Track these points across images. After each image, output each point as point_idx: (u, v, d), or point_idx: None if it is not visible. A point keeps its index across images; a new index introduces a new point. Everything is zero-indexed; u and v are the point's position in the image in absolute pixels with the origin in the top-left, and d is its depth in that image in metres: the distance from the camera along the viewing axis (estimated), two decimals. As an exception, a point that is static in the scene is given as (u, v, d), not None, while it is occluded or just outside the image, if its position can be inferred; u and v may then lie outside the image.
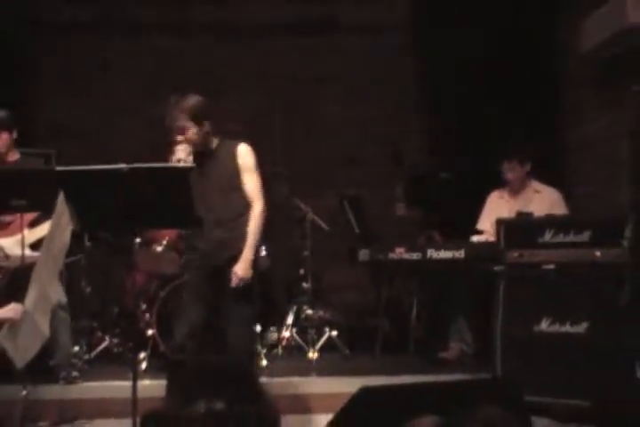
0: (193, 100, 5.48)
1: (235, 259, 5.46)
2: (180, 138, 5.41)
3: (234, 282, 5.40)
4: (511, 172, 7.08)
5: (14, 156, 6.68)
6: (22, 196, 5.85)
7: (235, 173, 5.54)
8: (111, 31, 9.05)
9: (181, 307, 5.65)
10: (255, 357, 5.65)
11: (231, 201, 5.50)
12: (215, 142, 5.62)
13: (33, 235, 6.06)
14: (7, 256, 6.36)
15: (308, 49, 9.14)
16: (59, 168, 5.18)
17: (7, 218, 6.46)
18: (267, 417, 3.03)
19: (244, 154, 5.58)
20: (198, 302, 5.50)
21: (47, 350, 6.31)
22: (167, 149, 5.49)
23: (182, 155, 5.38)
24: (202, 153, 5.55)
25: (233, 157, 5.56)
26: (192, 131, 5.45)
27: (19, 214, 6.14)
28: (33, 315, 4.99)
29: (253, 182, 5.57)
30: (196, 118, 5.45)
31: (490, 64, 8.14)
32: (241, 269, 5.42)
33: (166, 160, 5.51)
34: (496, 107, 8.10)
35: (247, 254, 5.46)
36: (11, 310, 5.09)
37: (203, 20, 9.00)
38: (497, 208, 7.10)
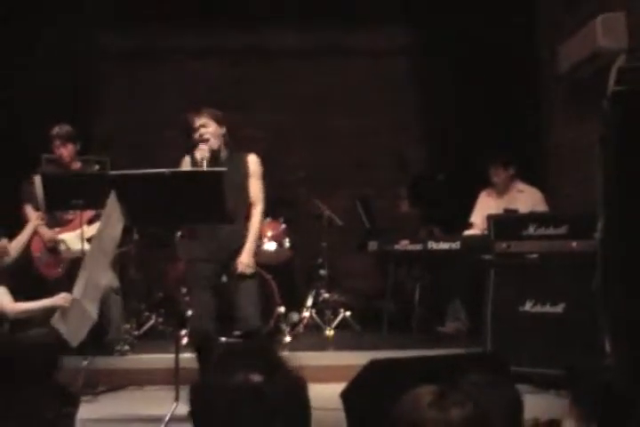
0: (215, 109, 5.55)
1: (238, 252, 5.42)
2: (202, 131, 5.42)
3: (240, 269, 5.36)
4: (497, 175, 7.10)
5: (76, 165, 6.74)
6: (80, 196, 5.90)
7: (244, 178, 5.50)
8: (153, 57, 9.09)
9: (194, 296, 5.57)
10: (263, 327, 5.60)
11: (238, 201, 5.41)
12: (225, 153, 5.57)
13: (91, 231, 6.11)
14: (69, 249, 6.43)
15: (322, 70, 9.14)
16: (112, 173, 5.22)
17: (69, 216, 6.51)
18: (296, 387, 3.07)
19: (254, 162, 5.58)
20: (209, 291, 5.44)
21: (103, 328, 6.39)
22: (191, 148, 5.48)
23: (206, 154, 5.37)
24: (214, 161, 5.47)
25: (244, 163, 5.53)
26: (213, 127, 5.46)
27: (79, 212, 6.20)
28: (81, 301, 5.04)
29: (258, 187, 5.56)
30: (217, 119, 5.49)
31: (480, 83, 8.13)
32: (245, 258, 5.38)
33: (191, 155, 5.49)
34: (486, 119, 8.09)
35: (250, 247, 5.43)
36: (61, 299, 5.15)
37: (231, 47, 9.02)
38: (486, 206, 7.11)
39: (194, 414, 2.90)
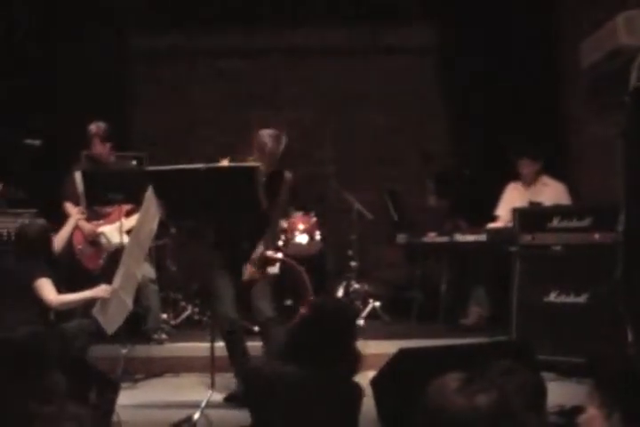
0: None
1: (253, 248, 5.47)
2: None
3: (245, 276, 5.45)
4: (525, 167, 7.05)
5: (111, 159, 6.76)
6: (119, 191, 5.93)
7: (277, 188, 5.53)
8: (188, 57, 9.12)
9: (218, 290, 5.57)
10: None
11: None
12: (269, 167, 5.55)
13: (129, 223, 6.15)
14: (109, 242, 6.47)
15: (351, 68, 9.12)
16: (149, 168, 5.25)
17: (107, 209, 6.55)
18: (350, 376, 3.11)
19: (289, 177, 5.59)
20: (231, 284, 5.45)
21: (142, 318, 6.44)
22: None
23: None
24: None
25: (282, 175, 5.56)
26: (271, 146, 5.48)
27: (117, 206, 6.24)
28: (119, 293, 5.09)
29: (284, 197, 5.63)
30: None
31: (505, 80, 8.09)
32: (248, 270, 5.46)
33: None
34: (511, 114, 8.05)
35: (254, 257, 5.47)
36: (101, 290, 5.21)
37: (264, 45, 9.01)
38: (512, 198, 7.06)
39: (250, 399, 2.98)
